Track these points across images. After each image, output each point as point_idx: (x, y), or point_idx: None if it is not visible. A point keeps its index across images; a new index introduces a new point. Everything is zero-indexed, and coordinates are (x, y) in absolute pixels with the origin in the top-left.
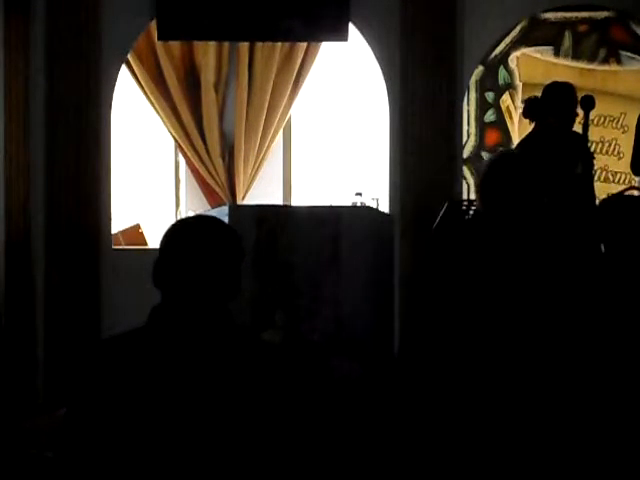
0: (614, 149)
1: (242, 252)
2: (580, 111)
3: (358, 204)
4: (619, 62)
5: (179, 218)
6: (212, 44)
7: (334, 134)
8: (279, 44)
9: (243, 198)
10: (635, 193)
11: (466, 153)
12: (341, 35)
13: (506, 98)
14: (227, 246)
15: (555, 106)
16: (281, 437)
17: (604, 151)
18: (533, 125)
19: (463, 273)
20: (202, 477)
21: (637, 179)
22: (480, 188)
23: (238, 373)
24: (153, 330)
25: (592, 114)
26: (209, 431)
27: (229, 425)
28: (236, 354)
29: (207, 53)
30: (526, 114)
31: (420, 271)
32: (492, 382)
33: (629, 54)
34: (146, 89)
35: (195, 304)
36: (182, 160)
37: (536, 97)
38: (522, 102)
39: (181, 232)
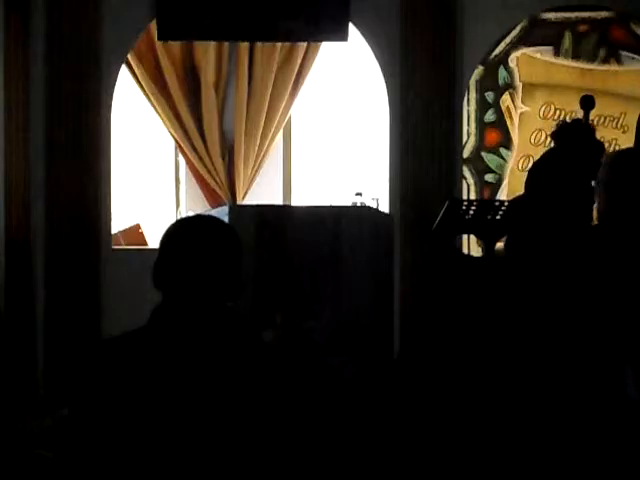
0: (614, 149)
1: (242, 251)
2: (580, 111)
3: (358, 204)
4: (619, 62)
5: (178, 218)
6: (212, 44)
7: (334, 134)
8: (279, 44)
9: (243, 198)
10: None
11: (466, 153)
12: (341, 35)
13: (506, 98)
14: (227, 245)
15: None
16: (280, 437)
17: None
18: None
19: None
20: (202, 477)
21: None
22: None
23: (239, 373)
24: (154, 331)
25: (592, 114)
26: (210, 431)
27: (229, 425)
28: (237, 354)
29: (207, 53)
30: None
31: (420, 271)
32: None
33: (629, 54)
34: (146, 89)
35: (196, 304)
36: (182, 160)
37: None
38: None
39: (180, 232)
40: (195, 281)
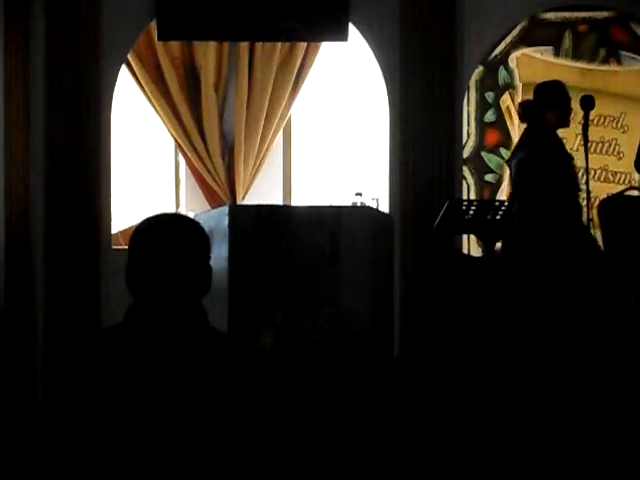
0: (614, 149)
1: (209, 245)
2: (580, 111)
3: (358, 204)
4: (619, 62)
5: (143, 219)
6: (212, 44)
7: (334, 134)
8: (279, 44)
9: (243, 198)
10: (635, 193)
11: (466, 153)
12: (341, 35)
13: (506, 98)
14: (194, 242)
15: (552, 102)
16: (260, 435)
17: (604, 151)
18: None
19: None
20: (180, 474)
21: (637, 179)
22: None
23: (209, 370)
24: (129, 329)
25: (592, 114)
26: (185, 429)
27: (204, 424)
28: (207, 352)
29: (207, 53)
30: (522, 117)
31: (420, 271)
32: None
33: (629, 54)
34: (146, 89)
35: (166, 302)
36: (182, 160)
37: (529, 100)
38: (517, 106)
39: (145, 233)
40: (164, 280)
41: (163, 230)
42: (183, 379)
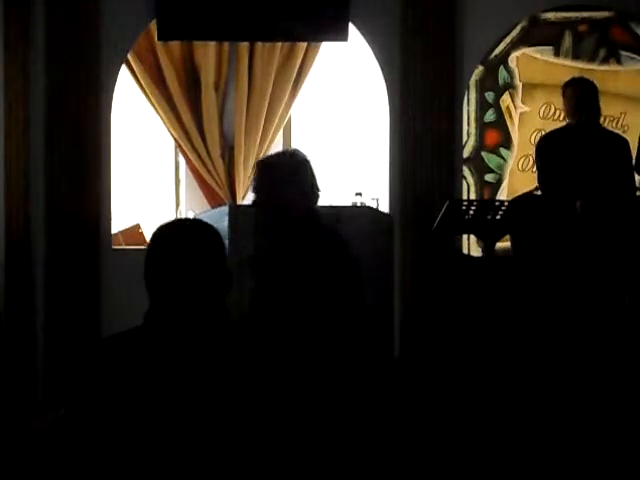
0: None
1: (224, 250)
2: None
3: (358, 204)
4: (619, 62)
5: (160, 225)
6: (212, 44)
7: (334, 134)
8: (279, 44)
9: (243, 198)
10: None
11: (466, 153)
12: (341, 35)
13: (506, 98)
14: (210, 245)
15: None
16: (278, 434)
17: None
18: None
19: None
20: (201, 474)
21: (637, 179)
22: None
23: (233, 370)
24: (150, 331)
25: None
26: (207, 429)
27: (226, 422)
28: (231, 351)
29: (207, 53)
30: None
31: (420, 271)
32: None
33: (629, 54)
34: (146, 89)
35: (187, 304)
36: (182, 160)
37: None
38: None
39: (163, 238)
40: (185, 283)
41: (180, 235)
42: (203, 379)
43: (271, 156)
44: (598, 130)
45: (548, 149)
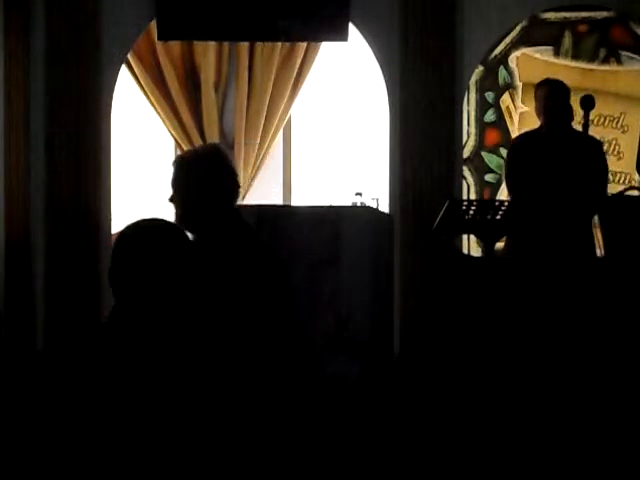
0: (614, 149)
1: (188, 248)
2: (580, 111)
3: (358, 204)
4: (619, 62)
5: (125, 225)
6: (212, 44)
7: (334, 134)
8: (279, 44)
9: (243, 198)
10: (635, 193)
11: (466, 153)
12: (341, 35)
13: (506, 98)
14: (170, 246)
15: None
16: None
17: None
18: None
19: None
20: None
21: (637, 179)
22: None
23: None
24: (114, 328)
25: (592, 114)
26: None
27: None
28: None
29: (207, 53)
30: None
31: (420, 271)
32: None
33: (629, 54)
34: (146, 89)
35: (148, 303)
36: None
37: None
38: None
39: (125, 238)
40: (143, 282)
41: (141, 236)
42: (165, 377)
43: (188, 152)
44: (569, 133)
45: (517, 155)
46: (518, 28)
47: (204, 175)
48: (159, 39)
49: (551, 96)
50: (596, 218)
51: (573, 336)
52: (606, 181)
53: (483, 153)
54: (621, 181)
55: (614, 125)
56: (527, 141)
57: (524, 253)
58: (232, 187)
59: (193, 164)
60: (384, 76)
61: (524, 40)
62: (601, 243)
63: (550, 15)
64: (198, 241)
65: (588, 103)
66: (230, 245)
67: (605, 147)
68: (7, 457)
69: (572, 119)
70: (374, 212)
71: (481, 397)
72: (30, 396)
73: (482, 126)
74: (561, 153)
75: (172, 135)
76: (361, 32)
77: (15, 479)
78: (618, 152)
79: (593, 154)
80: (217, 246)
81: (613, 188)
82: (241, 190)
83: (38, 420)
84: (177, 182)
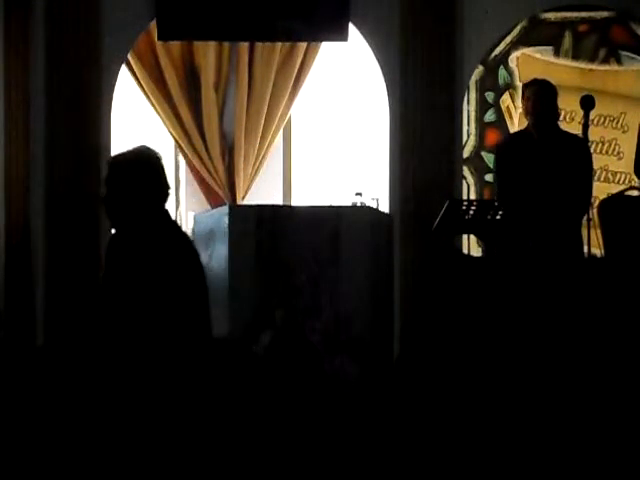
0: (614, 149)
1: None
2: (580, 111)
3: (358, 204)
4: (619, 62)
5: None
6: (212, 44)
7: (334, 134)
8: (279, 44)
9: (243, 198)
10: (635, 193)
11: (466, 153)
12: (341, 35)
13: (506, 98)
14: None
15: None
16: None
17: (604, 151)
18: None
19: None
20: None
21: (637, 179)
22: None
23: None
24: None
25: (592, 114)
26: None
27: None
28: None
29: (207, 53)
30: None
31: (420, 271)
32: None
33: (629, 54)
34: (146, 89)
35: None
36: (182, 160)
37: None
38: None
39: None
40: None
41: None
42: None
43: (120, 153)
44: (556, 133)
45: (503, 156)
46: (518, 28)
47: (133, 177)
48: (159, 39)
49: (538, 96)
50: (596, 218)
51: (571, 336)
52: (591, 180)
53: (483, 153)
54: (621, 181)
55: (614, 125)
56: (513, 142)
57: (513, 253)
58: (160, 189)
59: (123, 167)
60: (384, 76)
61: (524, 40)
62: (601, 243)
63: (550, 15)
64: (125, 239)
65: (588, 103)
66: (151, 244)
67: (605, 147)
68: (7, 455)
69: (558, 118)
70: (374, 212)
71: (481, 397)
72: (30, 393)
73: (482, 126)
74: (547, 153)
75: (172, 135)
76: (361, 32)
77: (16, 476)
78: (618, 152)
79: (579, 153)
80: (140, 243)
81: (613, 188)
82: (241, 190)
83: (38, 418)
84: (108, 183)
